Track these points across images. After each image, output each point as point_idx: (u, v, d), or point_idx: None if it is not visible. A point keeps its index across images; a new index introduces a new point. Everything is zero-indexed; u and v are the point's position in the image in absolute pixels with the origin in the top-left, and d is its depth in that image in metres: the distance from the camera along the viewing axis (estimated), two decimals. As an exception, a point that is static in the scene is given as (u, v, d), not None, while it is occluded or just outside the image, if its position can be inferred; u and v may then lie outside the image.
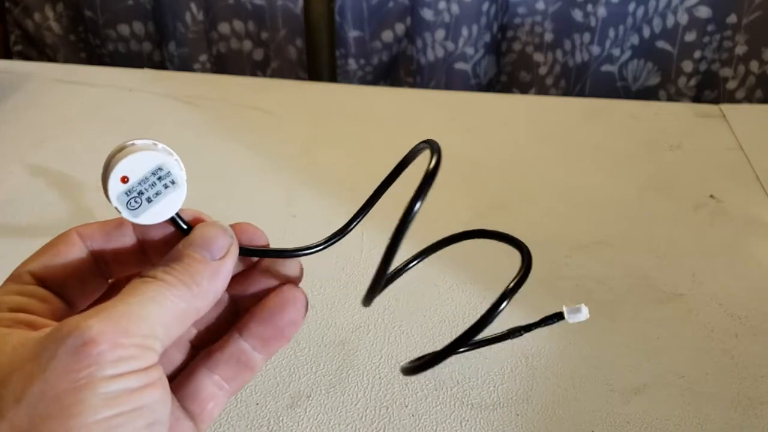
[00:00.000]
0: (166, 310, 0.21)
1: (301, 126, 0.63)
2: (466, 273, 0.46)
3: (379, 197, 0.26)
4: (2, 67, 0.72)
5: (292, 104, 0.67)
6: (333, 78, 0.89)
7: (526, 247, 0.25)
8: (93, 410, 0.19)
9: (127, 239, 0.24)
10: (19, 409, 0.19)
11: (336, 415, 0.36)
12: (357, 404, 0.37)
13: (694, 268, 0.47)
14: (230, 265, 0.23)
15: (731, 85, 0.88)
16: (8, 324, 0.21)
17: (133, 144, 0.23)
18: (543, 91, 0.93)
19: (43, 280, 0.23)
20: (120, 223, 0.24)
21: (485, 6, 0.87)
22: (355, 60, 0.93)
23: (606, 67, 0.89)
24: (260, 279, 0.26)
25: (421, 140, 0.25)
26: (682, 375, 0.39)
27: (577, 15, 0.87)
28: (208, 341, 0.25)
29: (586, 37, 0.87)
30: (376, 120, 0.65)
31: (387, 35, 0.93)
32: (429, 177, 0.23)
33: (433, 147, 0.24)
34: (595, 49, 0.87)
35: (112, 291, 0.25)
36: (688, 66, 0.87)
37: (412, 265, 0.29)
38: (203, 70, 0.99)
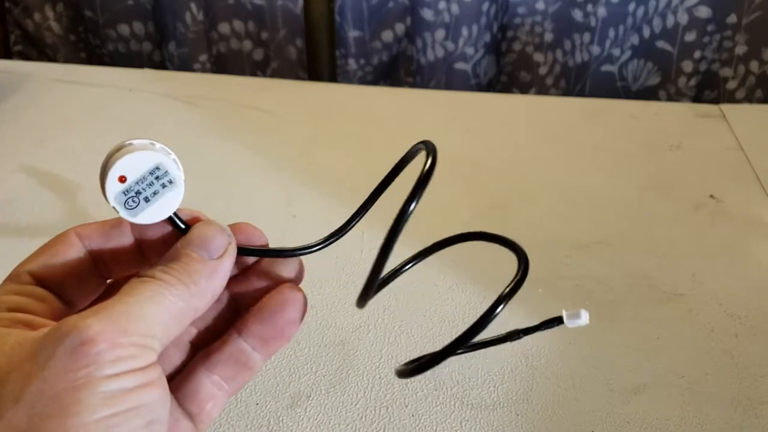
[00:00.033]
0: (165, 309, 0.21)
1: (301, 126, 0.63)
2: (466, 273, 0.46)
3: (377, 198, 0.26)
4: (2, 67, 0.72)
5: (292, 104, 0.67)
6: (333, 78, 0.89)
7: (523, 251, 0.25)
8: (92, 409, 0.19)
9: (126, 239, 0.24)
10: (18, 409, 0.19)
11: (336, 415, 0.36)
12: (357, 404, 0.37)
13: (694, 268, 0.47)
14: (228, 264, 0.23)
15: (731, 85, 0.88)
16: (6, 324, 0.21)
17: (130, 144, 0.23)
18: (543, 91, 0.93)
19: (41, 279, 0.23)
20: (118, 222, 0.24)
21: (485, 6, 0.87)
22: (355, 60, 0.93)
23: (606, 67, 0.89)
24: (260, 279, 0.25)
25: (418, 141, 0.25)
26: (682, 375, 0.39)
27: (577, 15, 0.87)
28: (208, 341, 0.25)
29: (586, 37, 0.87)
30: (376, 120, 0.65)
31: (387, 35, 0.93)
32: (423, 179, 0.23)
33: (429, 148, 0.24)
34: (595, 49, 0.87)
35: (110, 291, 0.25)
36: (688, 66, 0.87)
37: (407, 267, 0.28)
38: (203, 70, 0.99)
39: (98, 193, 0.23)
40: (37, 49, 1.02)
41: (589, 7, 0.86)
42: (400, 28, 0.92)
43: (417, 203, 0.22)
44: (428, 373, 0.38)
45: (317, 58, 0.86)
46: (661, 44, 0.87)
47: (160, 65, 1.00)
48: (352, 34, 0.91)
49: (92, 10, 0.97)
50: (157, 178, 0.22)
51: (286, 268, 0.25)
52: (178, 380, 0.24)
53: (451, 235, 0.28)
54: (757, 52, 0.85)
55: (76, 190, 0.53)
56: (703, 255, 0.48)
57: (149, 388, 0.20)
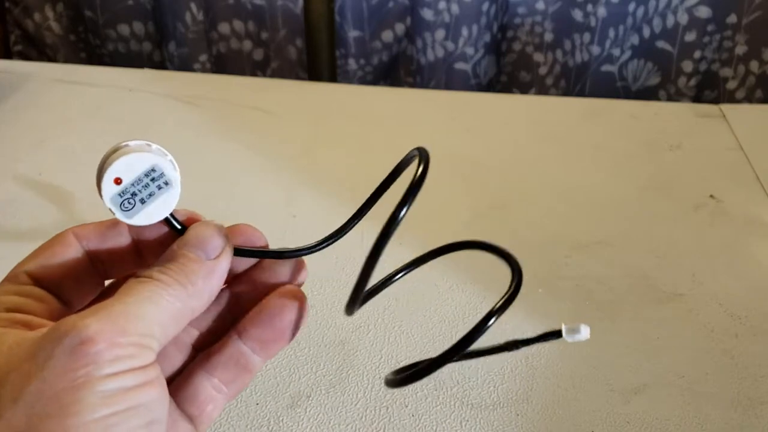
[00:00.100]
0: (163, 309, 0.21)
1: (301, 126, 0.63)
2: (467, 273, 0.46)
3: (373, 204, 0.26)
4: (2, 67, 0.72)
5: (292, 104, 0.67)
6: (333, 78, 0.89)
7: (517, 263, 0.24)
8: (91, 409, 0.19)
9: (123, 239, 0.24)
10: (17, 409, 0.19)
11: (336, 415, 0.36)
12: (357, 404, 0.37)
13: (694, 268, 0.47)
14: (225, 264, 0.23)
15: (731, 85, 0.88)
16: (5, 324, 0.21)
17: (126, 145, 0.23)
18: (543, 91, 0.93)
19: (39, 280, 0.23)
20: (115, 223, 0.24)
21: (485, 6, 0.87)
22: (355, 60, 0.93)
23: (606, 67, 0.89)
24: (260, 280, 0.25)
25: (414, 147, 0.24)
26: (682, 375, 0.39)
27: (577, 15, 0.87)
28: (209, 343, 0.25)
29: (586, 37, 0.87)
30: (376, 120, 0.65)
31: (387, 35, 0.92)
32: (414, 186, 0.22)
33: (422, 155, 0.23)
34: (595, 49, 0.87)
35: (108, 292, 0.25)
36: (688, 66, 0.87)
37: (398, 277, 0.28)
38: (203, 70, 0.99)
39: (96, 194, 0.23)
40: (37, 49, 1.02)
41: (589, 7, 0.86)
42: (400, 28, 0.92)
43: (407, 210, 0.22)
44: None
45: (317, 58, 0.86)
46: (661, 44, 0.87)
47: (160, 65, 1.00)
48: (352, 34, 0.91)
49: (92, 10, 0.97)
50: (152, 179, 0.22)
51: (285, 269, 0.25)
52: (178, 382, 0.24)
53: (448, 239, 0.28)
54: (757, 52, 0.85)
55: (75, 190, 0.53)
56: (703, 255, 0.48)
57: (148, 388, 0.20)
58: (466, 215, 0.52)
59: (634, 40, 0.87)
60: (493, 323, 0.23)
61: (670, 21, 0.85)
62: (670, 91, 0.89)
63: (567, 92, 0.92)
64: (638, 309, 0.44)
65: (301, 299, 0.25)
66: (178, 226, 0.24)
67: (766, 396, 0.38)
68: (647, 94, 0.89)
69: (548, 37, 0.90)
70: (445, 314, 0.43)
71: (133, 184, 0.22)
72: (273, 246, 0.26)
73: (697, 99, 0.89)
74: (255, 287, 0.25)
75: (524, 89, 0.94)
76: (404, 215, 0.22)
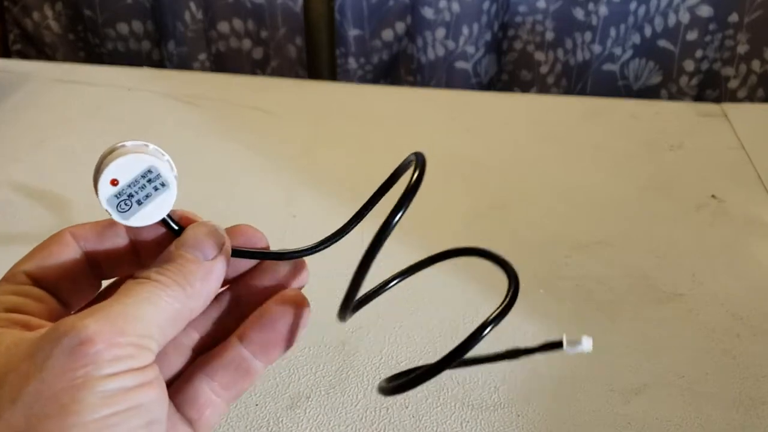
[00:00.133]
0: (161, 310, 0.21)
1: (301, 126, 0.63)
2: (467, 273, 0.46)
3: (370, 209, 0.25)
4: (1, 67, 0.72)
5: (292, 104, 0.67)
6: (333, 77, 0.89)
7: (513, 270, 0.24)
8: (91, 409, 0.19)
9: (120, 240, 0.24)
10: (16, 410, 0.19)
11: (336, 416, 0.36)
12: (357, 405, 0.37)
13: (695, 268, 0.47)
14: (223, 264, 0.23)
15: (733, 84, 0.88)
16: (3, 324, 0.21)
17: (123, 146, 0.23)
18: (544, 90, 0.93)
19: (37, 280, 0.23)
20: (112, 223, 0.24)
21: (486, 4, 0.87)
22: (355, 59, 0.93)
23: (607, 66, 0.88)
24: (261, 282, 0.25)
25: (413, 151, 0.24)
26: (683, 375, 0.39)
27: (579, 14, 0.87)
28: (209, 346, 0.25)
29: (588, 35, 0.87)
30: (376, 120, 0.65)
31: (387, 34, 0.92)
32: (409, 192, 0.22)
33: (418, 160, 0.23)
34: (597, 48, 0.87)
35: (106, 293, 0.25)
36: (689, 65, 0.87)
37: (393, 284, 0.27)
38: (202, 68, 0.99)
39: (94, 195, 0.23)
40: (36, 48, 1.02)
41: (591, 6, 0.85)
42: (400, 26, 0.92)
43: (401, 216, 0.22)
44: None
45: (317, 57, 0.86)
46: (662, 43, 0.86)
47: (159, 64, 1.00)
48: (352, 32, 0.91)
49: (91, 8, 0.97)
50: (149, 181, 0.22)
51: (286, 271, 0.25)
52: (178, 385, 0.24)
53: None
54: (758, 51, 0.85)
55: (75, 190, 0.53)
56: (703, 255, 0.48)
57: (147, 388, 0.20)
58: (466, 215, 0.52)
59: (636, 39, 0.87)
60: (488, 333, 0.22)
61: (672, 20, 0.85)
62: (671, 91, 0.89)
63: (568, 91, 0.91)
64: (638, 309, 0.43)
65: (302, 304, 0.25)
66: (175, 227, 0.24)
67: (767, 396, 0.38)
68: (649, 93, 0.89)
69: (549, 35, 0.90)
70: (445, 315, 0.43)
71: (129, 186, 0.22)
72: (273, 246, 0.25)
73: (699, 98, 0.89)
74: (256, 289, 0.25)
75: (525, 88, 0.94)
76: (398, 221, 0.22)
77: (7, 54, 1.03)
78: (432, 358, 0.40)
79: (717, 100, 0.89)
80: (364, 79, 0.94)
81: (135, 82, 0.69)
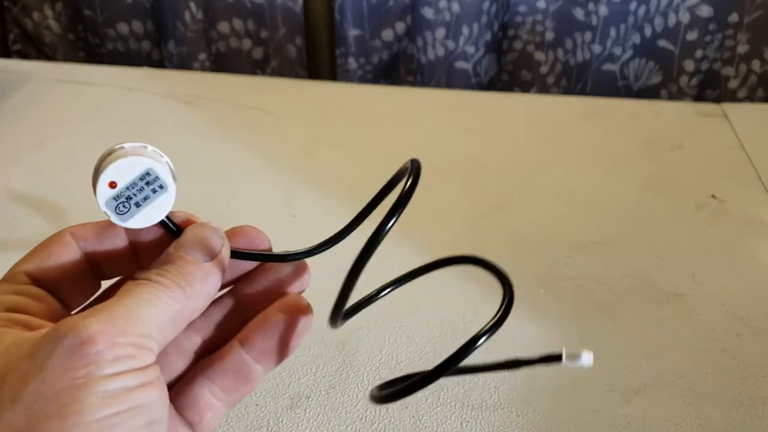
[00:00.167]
0: (162, 311, 0.21)
1: (301, 126, 0.63)
2: (467, 273, 0.45)
3: (366, 216, 0.25)
4: (1, 66, 0.72)
5: (292, 104, 0.67)
6: (333, 77, 0.89)
7: (508, 281, 0.24)
8: (92, 409, 0.19)
9: (119, 241, 0.24)
10: (16, 409, 0.19)
11: (336, 416, 0.36)
12: (357, 405, 0.37)
13: (695, 268, 0.47)
14: (222, 265, 0.23)
15: (733, 84, 0.88)
16: (4, 324, 0.21)
17: (122, 148, 0.23)
18: (544, 90, 0.93)
19: (38, 279, 0.23)
20: (111, 224, 0.24)
21: (486, 4, 0.87)
22: (355, 59, 0.93)
23: (607, 66, 0.88)
24: (263, 285, 0.25)
25: (408, 160, 0.24)
26: (683, 375, 0.39)
27: (579, 14, 0.87)
28: (211, 350, 0.25)
29: (588, 35, 0.87)
30: (376, 120, 0.65)
31: (387, 34, 0.92)
32: (401, 201, 0.22)
33: (413, 167, 0.23)
34: (597, 48, 0.87)
35: (106, 295, 0.25)
36: (689, 65, 0.87)
37: (385, 292, 0.27)
38: (202, 68, 0.99)
39: (92, 197, 0.23)
40: (36, 48, 1.02)
41: (591, 6, 0.85)
42: (400, 26, 0.92)
43: (394, 224, 0.22)
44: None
45: (317, 57, 0.86)
46: (662, 43, 0.86)
47: (159, 64, 1.00)
48: (352, 32, 0.91)
49: (91, 8, 0.97)
50: (147, 183, 0.22)
51: (287, 273, 0.25)
52: (179, 388, 0.24)
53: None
54: (758, 51, 0.84)
55: (75, 190, 0.53)
56: (703, 255, 0.48)
57: (148, 388, 0.20)
58: (466, 215, 0.52)
59: (636, 39, 0.87)
60: (482, 344, 0.22)
61: (672, 20, 0.85)
62: (671, 91, 0.89)
63: (568, 91, 0.91)
64: (638, 309, 0.43)
65: (304, 311, 0.25)
66: (174, 229, 0.24)
67: (767, 396, 0.38)
68: (649, 93, 0.89)
69: (549, 35, 0.90)
70: (445, 315, 0.43)
71: (127, 188, 0.22)
72: (274, 247, 0.25)
73: (699, 98, 0.89)
74: (257, 292, 0.25)
75: (525, 88, 0.94)
76: (389, 230, 0.22)
77: (7, 54, 1.03)
78: (432, 358, 0.40)
79: (717, 100, 0.89)
80: (364, 79, 0.94)
81: (135, 82, 0.69)
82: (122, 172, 0.22)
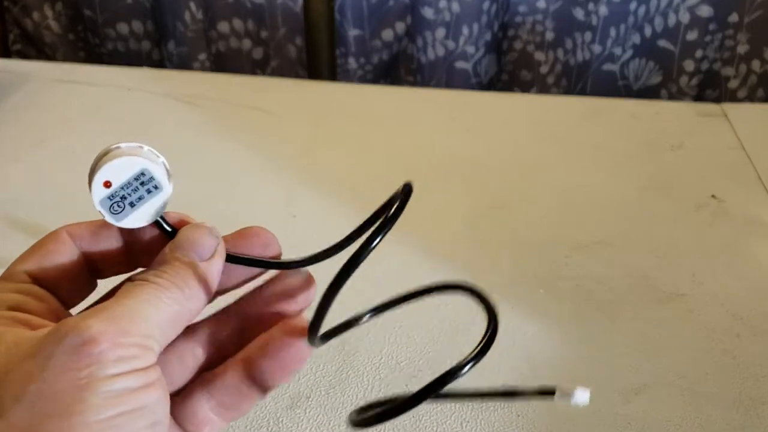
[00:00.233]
0: (161, 312, 0.21)
1: (301, 126, 0.63)
2: (467, 273, 0.46)
3: (361, 234, 0.24)
4: (1, 66, 0.72)
5: (292, 104, 0.67)
6: (333, 77, 0.89)
7: (493, 309, 0.23)
8: (95, 409, 0.19)
9: (114, 240, 0.24)
10: (18, 409, 0.19)
11: (336, 416, 0.36)
12: (357, 405, 0.37)
13: (695, 268, 0.47)
14: (218, 265, 0.23)
15: (733, 84, 0.88)
16: (6, 323, 0.21)
17: (118, 148, 0.23)
18: (544, 90, 0.93)
19: (37, 278, 0.23)
20: (106, 223, 0.24)
21: (486, 4, 0.87)
22: (355, 59, 0.93)
23: (607, 66, 0.88)
24: (269, 294, 0.25)
25: (405, 182, 0.23)
26: (683, 375, 0.39)
27: (579, 14, 0.87)
28: (214, 361, 0.25)
29: (588, 35, 0.87)
30: (376, 120, 0.65)
31: (387, 34, 0.92)
32: (390, 219, 0.22)
33: (404, 191, 0.23)
34: (597, 48, 0.87)
35: (107, 296, 0.25)
36: (689, 65, 0.87)
37: (365, 319, 0.26)
38: (202, 68, 0.99)
39: (89, 197, 0.23)
40: (36, 48, 1.02)
41: (591, 6, 0.85)
42: (400, 26, 0.92)
43: (375, 247, 0.21)
44: (428, 373, 0.38)
45: (317, 57, 0.86)
46: (662, 43, 0.86)
47: (159, 64, 1.00)
48: (352, 32, 0.91)
49: (91, 8, 0.97)
50: (142, 183, 0.22)
51: (297, 282, 0.25)
52: (178, 400, 0.24)
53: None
54: (758, 51, 0.84)
55: (75, 190, 0.53)
56: (703, 255, 0.48)
57: (150, 389, 0.20)
58: (466, 215, 0.52)
59: (636, 39, 0.87)
60: (466, 372, 0.21)
61: (672, 20, 0.85)
62: (671, 91, 0.89)
63: (568, 91, 0.91)
64: (638, 309, 0.43)
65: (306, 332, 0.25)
66: (169, 229, 0.24)
67: (767, 396, 0.38)
68: (648, 93, 0.89)
69: (549, 35, 0.90)
70: (445, 314, 0.43)
71: (122, 188, 0.22)
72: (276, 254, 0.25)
73: (699, 98, 0.89)
74: (263, 302, 0.25)
75: (525, 88, 0.94)
76: (369, 253, 0.21)
77: (7, 54, 1.03)
78: (432, 358, 0.40)
79: (717, 100, 0.89)
80: (364, 79, 0.94)
81: (135, 82, 0.69)
82: (117, 171, 0.22)
